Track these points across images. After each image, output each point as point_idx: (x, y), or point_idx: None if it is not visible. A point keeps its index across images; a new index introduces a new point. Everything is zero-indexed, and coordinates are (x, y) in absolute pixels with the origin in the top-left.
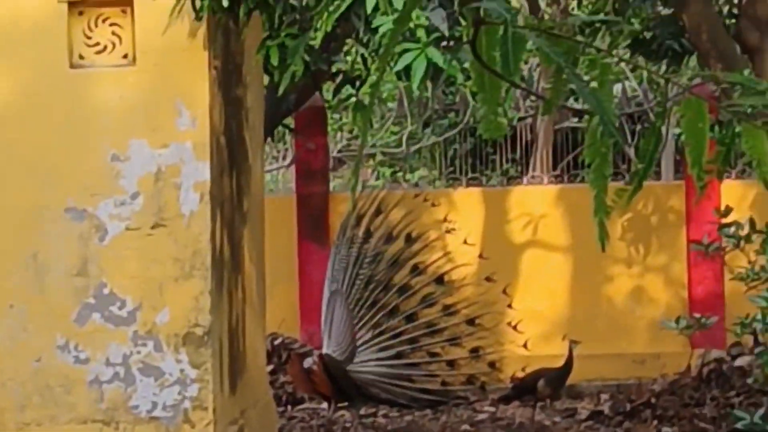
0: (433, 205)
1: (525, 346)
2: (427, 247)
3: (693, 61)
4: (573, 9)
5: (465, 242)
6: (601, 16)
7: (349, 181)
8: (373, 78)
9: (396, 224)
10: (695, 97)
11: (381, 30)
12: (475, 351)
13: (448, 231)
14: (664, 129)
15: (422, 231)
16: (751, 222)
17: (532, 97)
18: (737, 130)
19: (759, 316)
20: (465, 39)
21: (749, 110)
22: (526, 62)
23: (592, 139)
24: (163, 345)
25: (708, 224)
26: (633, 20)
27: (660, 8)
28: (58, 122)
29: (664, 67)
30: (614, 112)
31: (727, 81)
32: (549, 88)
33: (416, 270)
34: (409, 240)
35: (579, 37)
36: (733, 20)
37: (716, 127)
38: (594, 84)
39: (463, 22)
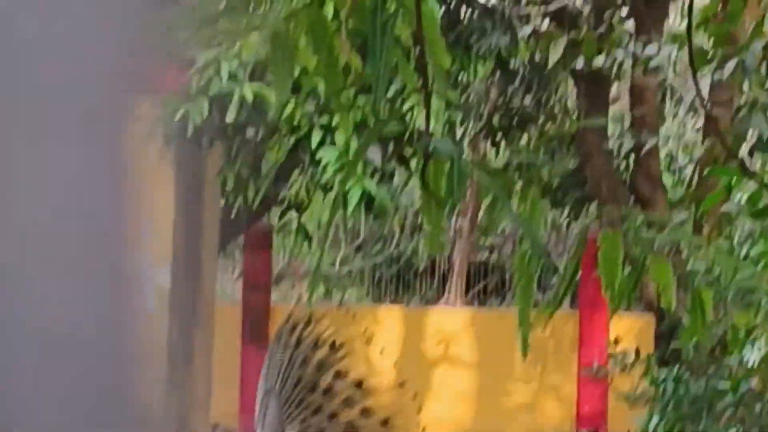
0: (354, 317)
1: None
2: (348, 355)
3: (593, 207)
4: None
5: (381, 352)
6: (516, 161)
7: (309, 288)
8: (326, 203)
9: (322, 333)
10: (612, 232)
11: (323, 161)
12: None
13: (368, 342)
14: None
15: (344, 340)
16: (637, 352)
17: (450, 233)
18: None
19: None
20: (396, 174)
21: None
22: None
23: (521, 262)
24: None
25: (597, 349)
26: (542, 171)
27: (567, 162)
28: None
29: (566, 211)
30: (542, 239)
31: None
32: (486, 215)
33: (339, 375)
34: (333, 347)
35: None
36: (629, 174)
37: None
38: (525, 215)
39: (393, 161)
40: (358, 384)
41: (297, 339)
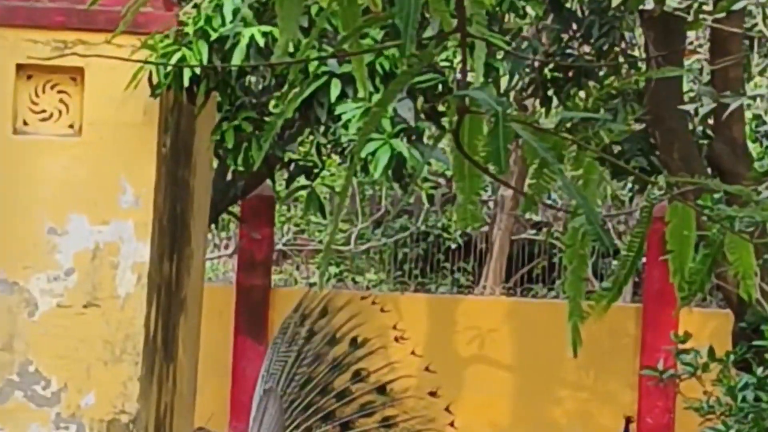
0: (383, 310)
1: None
2: (371, 354)
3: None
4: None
5: (413, 353)
6: (570, 121)
7: (319, 271)
8: (343, 168)
9: (341, 326)
10: (682, 203)
11: (344, 117)
12: None
13: (397, 339)
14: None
15: (368, 336)
16: (710, 350)
17: (490, 205)
18: (726, 241)
19: None
20: (429, 130)
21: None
22: None
23: (572, 240)
24: (87, 430)
25: (663, 351)
26: (602, 133)
27: (631, 123)
28: None
29: (629, 185)
30: (598, 212)
31: (725, 192)
32: (531, 183)
33: (358, 376)
34: (354, 344)
35: None
36: (707, 141)
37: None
38: (579, 182)
39: (424, 117)
40: (381, 388)
41: (308, 331)
